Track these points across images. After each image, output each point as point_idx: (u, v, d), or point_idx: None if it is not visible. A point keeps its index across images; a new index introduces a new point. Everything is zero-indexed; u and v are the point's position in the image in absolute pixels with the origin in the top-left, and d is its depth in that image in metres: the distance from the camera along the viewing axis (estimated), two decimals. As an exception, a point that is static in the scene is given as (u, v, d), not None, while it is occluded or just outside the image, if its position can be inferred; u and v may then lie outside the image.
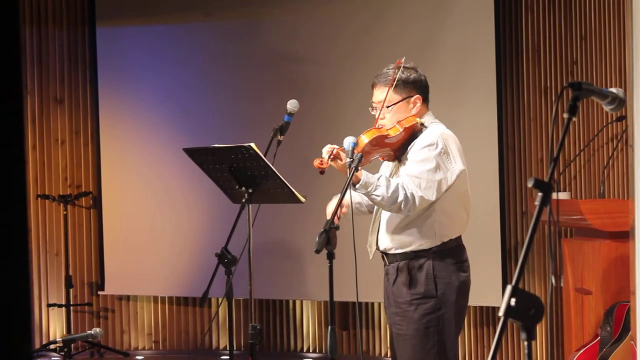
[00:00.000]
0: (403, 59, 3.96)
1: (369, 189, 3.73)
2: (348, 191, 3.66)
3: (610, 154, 5.76)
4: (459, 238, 3.98)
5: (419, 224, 3.90)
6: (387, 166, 4.09)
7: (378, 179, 3.76)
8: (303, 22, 6.91)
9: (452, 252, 3.92)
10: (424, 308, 3.87)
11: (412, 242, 3.91)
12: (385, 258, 4.03)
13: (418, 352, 3.86)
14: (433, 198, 3.81)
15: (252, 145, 4.10)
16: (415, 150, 3.88)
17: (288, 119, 4.40)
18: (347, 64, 6.73)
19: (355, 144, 3.72)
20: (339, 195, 3.71)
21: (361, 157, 3.69)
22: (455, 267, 3.91)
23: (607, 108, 2.52)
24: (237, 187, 4.31)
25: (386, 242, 3.98)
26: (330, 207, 3.94)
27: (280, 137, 4.38)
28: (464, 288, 3.95)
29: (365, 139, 3.81)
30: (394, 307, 3.95)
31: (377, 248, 4.04)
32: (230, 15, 7.13)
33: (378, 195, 3.74)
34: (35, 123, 7.32)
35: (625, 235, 4.63)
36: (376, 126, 3.95)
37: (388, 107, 3.95)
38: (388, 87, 3.94)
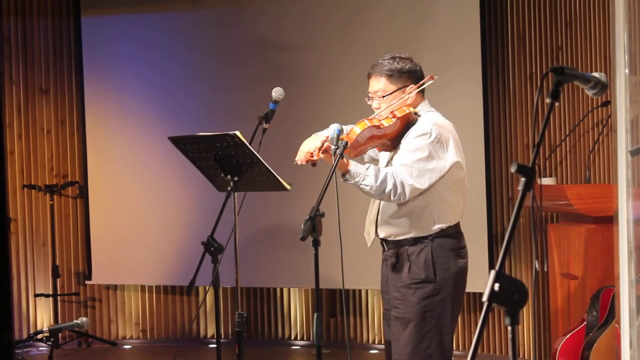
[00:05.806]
0: (435, 77, 3.97)
1: (357, 179, 3.75)
2: (334, 178, 3.66)
3: (595, 139, 5.77)
4: (457, 225, 4.01)
5: (417, 211, 3.92)
6: (384, 156, 4.09)
7: (367, 168, 3.78)
8: (289, 9, 6.90)
9: (451, 239, 3.96)
10: (423, 292, 3.90)
11: (411, 229, 3.94)
12: (385, 245, 4.06)
13: (415, 335, 3.89)
14: (425, 186, 3.83)
15: (237, 133, 4.09)
16: (409, 139, 3.90)
17: (273, 106, 4.39)
18: (333, 52, 6.73)
19: (340, 131, 3.73)
20: (320, 134, 3.87)
21: (346, 144, 3.68)
22: (453, 254, 3.94)
23: (590, 93, 2.52)
24: (222, 175, 4.30)
25: (385, 229, 4.00)
26: (306, 145, 3.92)
27: (265, 125, 4.38)
28: (461, 274, 3.99)
29: (357, 129, 3.80)
30: (394, 292, 3.98)
31: (376, 235, 4.05)
32: (216, 3, 7.11)
33: (367, 185, 3.76)
34: (20, 113, 7.30)
35: (611, 220, 4.63)
36: (371, 117, 3.94)
37: (383, 97, 3.96)
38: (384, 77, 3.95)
